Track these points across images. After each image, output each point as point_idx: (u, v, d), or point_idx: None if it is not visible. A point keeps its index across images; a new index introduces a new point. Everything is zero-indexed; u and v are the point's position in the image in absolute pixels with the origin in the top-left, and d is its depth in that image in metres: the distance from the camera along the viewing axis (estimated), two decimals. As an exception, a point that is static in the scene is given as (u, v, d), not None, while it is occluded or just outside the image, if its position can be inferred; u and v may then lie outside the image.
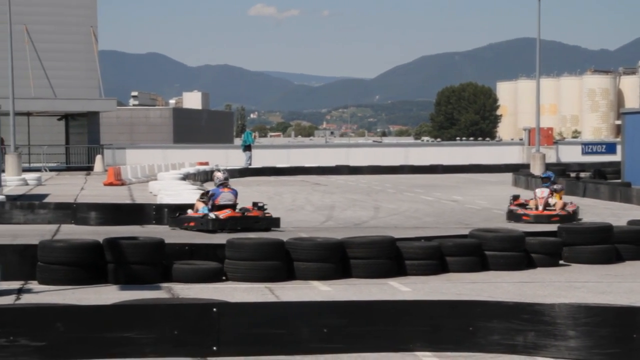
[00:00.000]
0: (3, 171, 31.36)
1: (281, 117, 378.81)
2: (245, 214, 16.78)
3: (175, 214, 17.37)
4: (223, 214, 16.61)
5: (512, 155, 53.16)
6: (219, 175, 17.89)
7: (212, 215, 16.53)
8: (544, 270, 12.61)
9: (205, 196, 17.45)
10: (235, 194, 17.42)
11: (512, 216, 18.93)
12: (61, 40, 48.29)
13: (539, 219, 18.18)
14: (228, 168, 40.62)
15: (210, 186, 20.74)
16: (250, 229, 16.24)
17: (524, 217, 18.49)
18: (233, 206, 16.98)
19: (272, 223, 16.91)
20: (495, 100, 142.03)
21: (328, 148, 58.88)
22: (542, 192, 19.15)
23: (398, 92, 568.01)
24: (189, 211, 17.31)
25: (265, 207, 17.29)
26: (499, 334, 7.42)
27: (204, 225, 16.35)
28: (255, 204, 17.36)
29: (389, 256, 11.93)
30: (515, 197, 19.81)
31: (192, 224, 16.57)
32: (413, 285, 11.20)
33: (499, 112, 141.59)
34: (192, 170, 36.86)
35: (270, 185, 33.51)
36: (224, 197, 17.10)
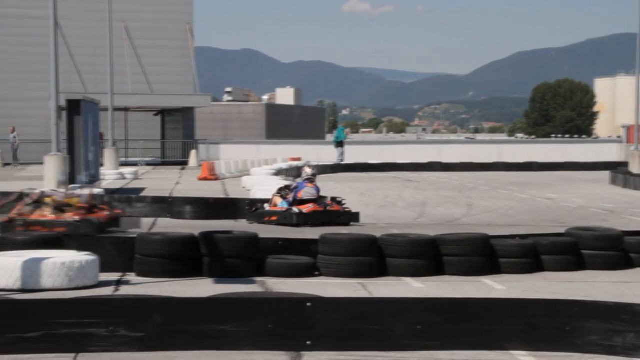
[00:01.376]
0: (101, 165, 32.11)
1: (373, 114, 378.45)
2: (327, 208, 16.91)
3: (251, 208, 17.57)
4: (306, 208, 16.76)
5: (610, 153, 52.08)
6: (307, 170, 18.06)
7: (295, 209, 16.67)
8: (643, 271, 12.31)
9: (285, 190, 17.58)
10: (318, 190, 17.53)
11: None
12: (158, 37, 49.21)
13: None
14: (320, 164, 40.84)
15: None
16: (331, 224, 16.37)
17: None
18: (315, 201, 17.09)
19: (352, 218, 17.08)
20: (593, 97, 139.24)
21: (420, 145, 58.62)
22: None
23: (492, 88, 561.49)
24: (266, 205, 17.47)
25: (343, 202, 17.41)
26: (596, 335, 7.28)
27: (287, 219, 16.53)
28: (334, 199, 17.48)
29: (482, 254, 11.80)
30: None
31: (274, 217, 16.72)
32: (507, 284, 11.06)
33: (596, 109, 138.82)
34: (284, 165, 37.15)
35: (362, 181, 33.51)
36: (307, 191, 17.25)
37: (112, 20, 39.73)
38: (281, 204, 17.09)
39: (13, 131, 42.89)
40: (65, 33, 45.12)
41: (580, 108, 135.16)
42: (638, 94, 42.14)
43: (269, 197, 18.24)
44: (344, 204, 17.33)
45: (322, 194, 17.94)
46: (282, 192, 17.59)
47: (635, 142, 42.24)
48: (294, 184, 17.87)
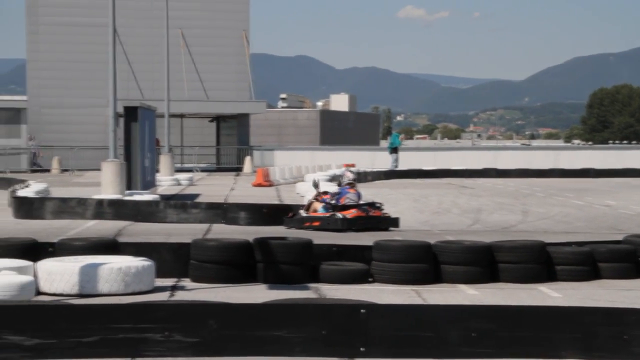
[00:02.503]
0: (157, 171, 32.44)
1: (427, 120, 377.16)
2: (369, 214, 17.05)
3: (288, 214, 17.71)
4: (349, 213, 16.92)
5: (669, 160, 51.19)
6: (349, 175, 18.29)
7: (339, 214, 16.83)
8: (703, 279, 12.08)
9: (325, 196, 17.68)
10: (359, 196, 17.72)
11: None
12: (214, 44, 49.60)
13: None
14: (374, 170, 40.79)
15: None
16: (372, 229, 16.52)
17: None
18: (357, 206, 17.24)
19: (392, 223, 17.36)
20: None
21: (475, 151, 58.25)
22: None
23: (548, 94, 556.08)
24: (302, 211, 17.58)
25: (382, 206, 17.57)
26: (655, 344, 7.16)
27: (331, 224, 16.68)
28: (372, 204, 17.62)
29: (538, 261, 11.69)
30: None
31: (316, 223, 16.84)
32: (564, 292, 10.94)
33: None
34: (338, 171, 37.13)
35: (417, 187, 33.40)
36: (350, 197, 17.45)
37: (169, 27, 40.15)
38: (321, 209, 17.24)
39: (32, 139, 43.67)
40: (123, 40, 45.67)
41: (639, 114, 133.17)
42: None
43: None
44: (382, 209, 17.52)
45: (365, 198, 18.16)
46: (321, 197, 17.71)
47: (696, 148, 41.53)
48: (336, 190, 18.01)
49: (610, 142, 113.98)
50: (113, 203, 19.62)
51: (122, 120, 25.35)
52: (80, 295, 10.15)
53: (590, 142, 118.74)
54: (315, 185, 18.35)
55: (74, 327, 7.18)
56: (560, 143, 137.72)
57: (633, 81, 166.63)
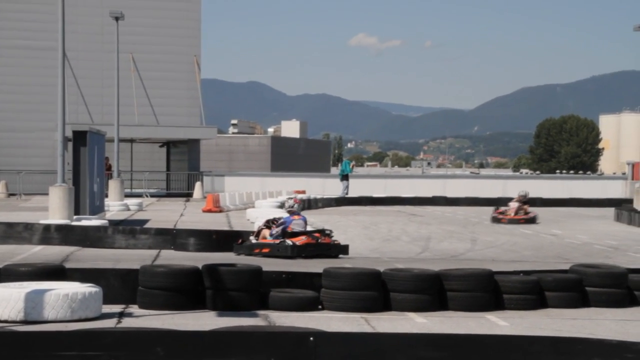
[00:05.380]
0: (106, 196, 32.15)
1: (378, 147, 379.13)
2: (318, 241, 17.15)
3: (237, 240, 17.76)
4: (299, 240, 16.99)
5: (615, 190, 52.03)
6: (290, 202, 18.48)
7: (289, 241, 16.90)
8: (647, 309, 12.25)
9: (272, 223, 17.77)
10: (305, 221, 17.82)
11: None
12: (165, 68, 49.42)
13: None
14: (325, 197, 40.85)
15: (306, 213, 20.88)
16: (322, 256, 16.64)
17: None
18: (306, 233, 17.33)
19: (342, 250, 17.49)
20: (598, 133, 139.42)
21: (425, 179, 58.63)
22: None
23: (497, 123, 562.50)
24: (252, 238, 17.63)
25: (331, 234, 17.68)
26: (600, 373, 7.23)
27: (281, 251, 16.76)
28: (322, 231, 17.73)
29: (486, 289, 11.77)
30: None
31: (265, 250, 16.89)
32: (511, 320, 11.02)
33: (601, 145, 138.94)
34: (284, 198, 37.11)
35: (367, 214, 33.50)
36: (297, 223, 17.54)
37: (119, 51, 39.95)
38: (270, 237, 17.34)
39: None
40: (73, 64, 45.39)
41: (586, 144, 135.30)
42: (643, 130, 42.19)
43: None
44: (332, 236, 17.61)
45: (314, 225, 18.25)
46: (270, 224, 17.79)
47: (640, 179, 42.22)
48: (282, 218, 18.09)
49: (558, 171, 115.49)
50: (61, 228, 19.40)
51: (71, 145, 25.11)
52: (25, 322, 9.99)
53: (537, 172, 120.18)
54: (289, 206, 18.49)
55: (17, 355, 7.07)
56: (508, 172, 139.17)
57: (579, 112, 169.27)
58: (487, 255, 18.90)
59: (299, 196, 37.19)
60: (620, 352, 7.24)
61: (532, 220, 29.32)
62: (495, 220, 29.38)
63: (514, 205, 29.79)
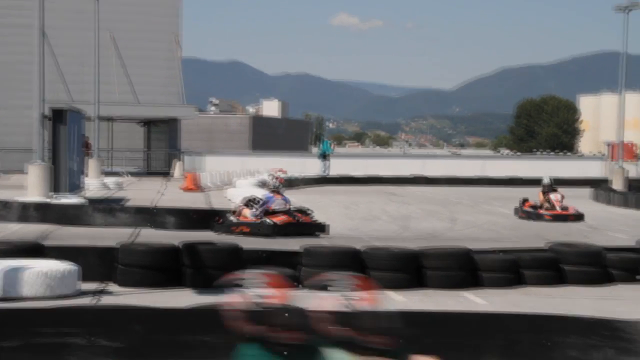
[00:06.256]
0: (85, 175, 32.00)
1: (359, 127, 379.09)
2: (299, 220, 17.14)
3: (217, 219, 17.72)
4: (279, 219, 16.98)
5: (593, 170, 52.27)
6: (272, 182, 18.42)
7: (269, 220, 16.90)
8: (623, 286, 12.36)
9: (253, 202, 17.74)
10: (287, 200, 17.80)
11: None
12: (145, 47, 49.14)
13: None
14: (305, 176, 40.83)
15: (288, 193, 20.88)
16: (301, 235, 16.63)
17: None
18: (286, 212, 17.32)
19: (321, 229, 17.56)
20: (577, 114, 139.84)
21: (405, 159, 58.68)
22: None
23: (477, 104, 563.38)
24: (231, 217, 17.60)
25: (312, 213, 17.70)
26: (576, 350, 7.29)
27: (261, 230, 16.74)
28: (302, 210, 17.75)
29: (464, 268, 11.83)
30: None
31: (245, 229, 16.87)
32: (489, 298, 11.09)
33: (580, 126, 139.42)
34: (266, 177, 37.06)
35: (347, 194, 33.52)
36: (278, 203, 17.50)
37: (98, 29, 39.67)
38: (250, 215, 17.30)
39: None
40: (52, 42, 44.98)
41: (565, 125, 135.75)
42: (621, 112, 42.40)
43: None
44: (312, 215, 17.63)
45: (294, 204, 18.24)
46: (250, 203, 17.76)
47: (618, 159, 42.45)
48: (263, 197, 18.06)
49: (537, 152, 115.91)
50: (39, 206, 19.32)
51: (49, 123, 24.96)
52: (2, 299, 9.95)
53: (517, 152, 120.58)
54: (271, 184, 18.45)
55: (-6, 331, 7.04)
56: (488, 152, 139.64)
57: (559, 92, 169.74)
58: (467, 234, 18.98)
59: (282, 175, 37.17)
60: (595, 329, 7.30)
61: (580, 217, 22.68)
62: (532, 216, 22.70)
63: (556, 197, 23.03)
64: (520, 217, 23.05)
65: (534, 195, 24.50)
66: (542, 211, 22.78)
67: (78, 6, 46.82)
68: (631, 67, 42.27)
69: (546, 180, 23.83)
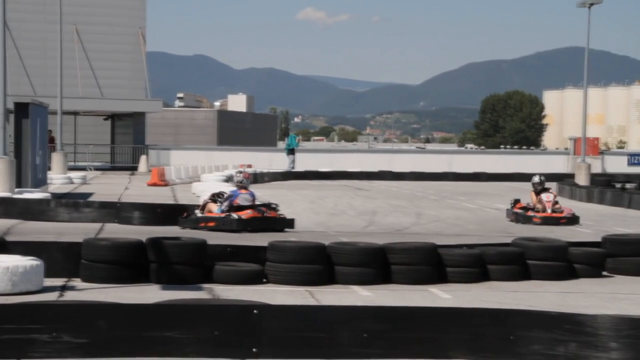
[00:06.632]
0: (49, 169, 31.74)
1: (325, 122, 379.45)
2: (264, 215, 17.13)
3: (182, 214, 17.67)
4: (245, 214, 16.96)
5: (557, 165, 52.74)
6: (238, 176, 18.38)
7: (235, 215, 16.87)
8: (587, 281, 12.48)
9: (219, 197, 17.69)
10: (253, 195, 17.77)
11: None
12: (110, 40, 48.81)
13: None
14: (271, 171, 40.80)
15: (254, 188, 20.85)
16: (268, 230, 16.61)
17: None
18: (252, 207, 17.29)
19: (288, 224, 17.48)
20: (542, 109, 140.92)
21: (371, 153, 58.84)
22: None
23: (443, 98, 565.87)
24: (197, 212, 17.56)
25: (277, 208, 17.69)
26: (540, 344, 7.36)
27: (226, 225, 16.70)
28: (268, 205, 17.73)
29: (430, 263, 11.88)
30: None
31: (211, 223, 16.83)
32: (454, 293, 11.14)
33: (545, 121, 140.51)
34: (233, 172, 37.00)
35: (313, 189, 33.55)
36: (243, 197, 17.49)
37: (62, 22, 39.32)
38: (217, 210, 17.26)
39: None
40: (15, 35, 44.60)
41: (530, 120, 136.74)
42: (585, 107, 42.76)
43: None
44: (278, 210, 17.61)
45: (260, 199, 18.20)
46: (216, 198, 17.70)
47: (582, 154, 42.85)
48: (228, 192, 18.03)
49: (502, 146, 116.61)
50: (2, 201, 19.12)
51: (12, 117, 24.71)
52: (-35, 296, 9.85)
53: (482, 147, 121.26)
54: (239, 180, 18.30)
55: (-44, 328, 6.97)
56: (454, 147, 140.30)
57: (524, 87, 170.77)
58: (432, 229, 19.05)
59: (249, 170, 37.13)
60: (559, 323, 7.36)
61: (575, 220, 20.57)
62: (522, 219, 20.44)
63: (547, 197, 20.64)
64: (511, 220, 20.80)
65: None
66: (531, 213, 20.48)
67: (42, -1, 46.41)
68: (594, 62, 42.62)
69: (536, 179, 21.24)
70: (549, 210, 20.40)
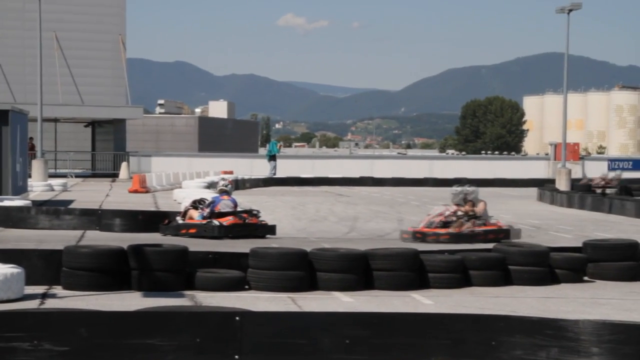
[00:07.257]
0: (30, 176, 31.58)
1: (306, 128, 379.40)
2: (246, 221, 17.12)
3: (164, 220, 17.64)
4: (226, 220, 16.95)
5: (538, 170, 52.95)
6: (221, 183, 18.44)
7: (216, 222, 16.86)
8: (568, 286, 12.52)
9: (201, 204, 17.68)
10: (235, 202, 17.76)
11: None
12: (90, 47, 48.63)
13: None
14: (253, 177, 40.76)
15: (236, 195, 20.83)
16: (249, 236, 16.63)
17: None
18: (233, 213, 17.29)
19: (269, 230, 17.53)
20: (522, 114, 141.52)
21: (352, 159, 58.87)
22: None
23: (424, 104, 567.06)
24: (178, 218, 17.54)
25: (259, 214, 17.69)
26: (521, 349, 7.38)
27: (208, 231, 16.69)
28: (250, 211, 17.73)
29: (412, 268, 11.89)
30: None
31: (192, 230, 16.81)
32: (436, 299, 11.16)
33: (525, 127, 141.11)
34: (216, 178, 36.94)
35: (294, 195, 33.54)
36: (225, 204, 17.49)
37: (42, 29, 39.16)
38: (198, 217, 17.24)
39: None
40: (-6, 42, 44.38)
41: (510, 125, 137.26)
42: (565, 112, 42.96)
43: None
44: (259, 217, 17.61)
45: (242, 206, 18.21)
46: (197, 205, 17.69)
47: (562, 160, 43.02)
48: (212, 198, 18.02)
49: (483, 152, 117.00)
50: (-18, 209, 18.99)
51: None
52: (-56, 304, 9.79)
53: (463, 152, 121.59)
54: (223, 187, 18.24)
55: (-64, 337, 6.92)
56: (434, 153, 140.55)
57: (503, 93, 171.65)
58: (413, 234, 19.01)
59: (231, 177, 37.08)
60: (540, 328, 7.39)
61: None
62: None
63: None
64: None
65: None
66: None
67: (21, 5, 46.22)
68: (574, 68, 42.83)
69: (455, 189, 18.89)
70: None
